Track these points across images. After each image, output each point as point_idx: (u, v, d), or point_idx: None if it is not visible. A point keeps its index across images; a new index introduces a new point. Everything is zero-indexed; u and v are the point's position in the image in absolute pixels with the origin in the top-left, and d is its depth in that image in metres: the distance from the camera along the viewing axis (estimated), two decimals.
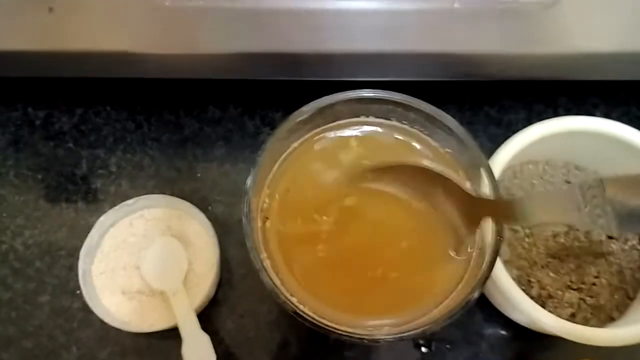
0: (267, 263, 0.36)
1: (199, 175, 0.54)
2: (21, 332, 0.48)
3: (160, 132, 0.56)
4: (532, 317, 0.39)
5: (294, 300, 0.35)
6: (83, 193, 0.53)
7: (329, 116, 0.39)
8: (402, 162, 0.39)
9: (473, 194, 0.37)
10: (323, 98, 0.37)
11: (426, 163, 0.39)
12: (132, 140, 0.55)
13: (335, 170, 0.38)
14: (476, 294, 0.32)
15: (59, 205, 0.53)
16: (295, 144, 0.39)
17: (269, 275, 0.34)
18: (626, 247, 0.46)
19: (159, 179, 0.54)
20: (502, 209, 0.35)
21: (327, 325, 0.33)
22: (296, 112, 0.37)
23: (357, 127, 0.41)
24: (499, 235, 0.34)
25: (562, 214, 0.31)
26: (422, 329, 0.33)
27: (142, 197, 0.50)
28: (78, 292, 0.47)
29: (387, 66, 0.47)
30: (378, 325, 0.35)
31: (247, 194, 0.35)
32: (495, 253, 0.34)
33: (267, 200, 0.38)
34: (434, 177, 0.37)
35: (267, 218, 0.38)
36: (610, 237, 0.45)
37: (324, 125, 0.39)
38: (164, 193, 0.51)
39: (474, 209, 0.36)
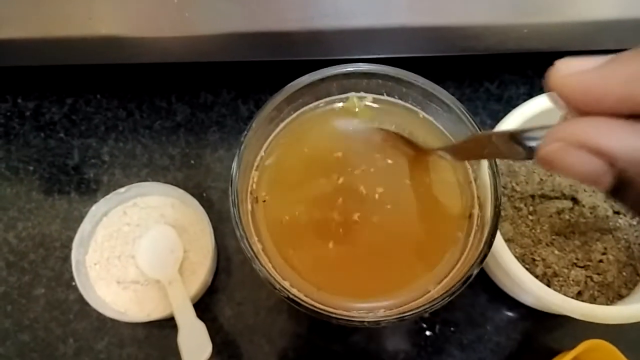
0: (257, 247, 0.35)
1: (192, 162, 0.53)
2: (17, 326, 0.48)
3: (152, 119, 0.54)
4: (537, 296, 0.38)
5: (286, 284, 0.34)
6: (76, 183, 0.52)
7: (317, 93, 0.38)
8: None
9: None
10: (311, 73, 0.36)
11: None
12: (124, 129, 0.54)
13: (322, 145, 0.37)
14: (475, 271, 0.31)
15: (52, 197, 0.52)
16: (283, 124, 0.38)
17: (260, 262, 0.33)
18: (634, 222, 0.44)
19: (152, 167, 0.53)
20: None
21: (323, 310, 0.32)
22: (284, 89, 0.36)
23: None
24: (497, 209, 0.32)
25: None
26: (422, 308, 0.31)
27: (135, 185, 0.49)
28: (73, 283, 0.46)
29: (380, 42, 0.46)
30: (375, 308, 0.34)
31: (232, 180, 0.34)
32: (494, 229, 0.32)
33: (255, 183, 0.37)
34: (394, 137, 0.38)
35: (256, 200, 0.37)
36: (616, 212, 0.44)
37: (312, 103, 0.38)
38: (157, 181, 0.50)
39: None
